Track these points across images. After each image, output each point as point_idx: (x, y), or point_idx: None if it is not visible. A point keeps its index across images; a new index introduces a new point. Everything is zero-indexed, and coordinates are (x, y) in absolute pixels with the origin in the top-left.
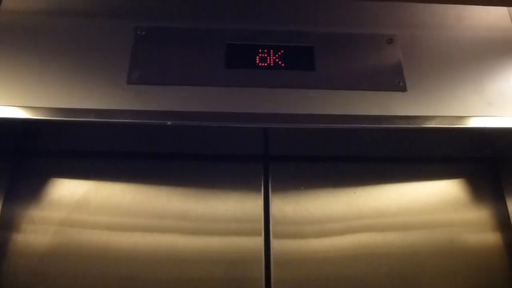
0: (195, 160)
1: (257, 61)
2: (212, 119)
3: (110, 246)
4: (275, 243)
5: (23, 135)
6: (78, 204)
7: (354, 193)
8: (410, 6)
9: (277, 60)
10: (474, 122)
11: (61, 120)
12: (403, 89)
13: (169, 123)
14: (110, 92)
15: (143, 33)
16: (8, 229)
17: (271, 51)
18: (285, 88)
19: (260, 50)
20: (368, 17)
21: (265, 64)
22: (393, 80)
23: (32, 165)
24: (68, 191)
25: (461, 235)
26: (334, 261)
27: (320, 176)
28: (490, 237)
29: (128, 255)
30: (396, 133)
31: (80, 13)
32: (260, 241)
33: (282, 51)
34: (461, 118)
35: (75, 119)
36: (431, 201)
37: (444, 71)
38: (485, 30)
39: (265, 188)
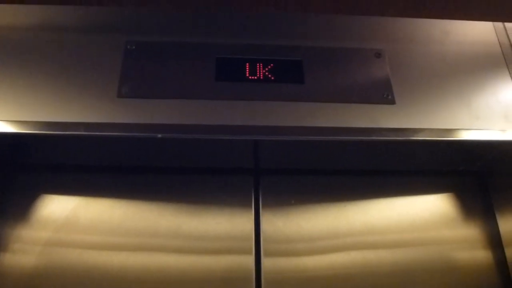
0: (185, 174)
1: (247, 74)
2: (203, 132)
3: (99, 265)
4: (266, 261)
5: (11, 149)
6: (68, 221)
7: (345, 206)
8: (398, 21)
9: (266, 73)
10: (463, 135)
11: (50, 134)
12: (392, 102)
13: (159, 136)
14: (100, 106)
15: (133, 47)
16: None
17: (261, 64)
18: (275, 101)
19: (250, 64)
20: (356, 31)
21: (255, 77)
22: (382, 93)
23: (21, 180)
24: (58, 207)
25: (452, 252)
26: (326, 280)
27: (310, 189)
28: (480, 254)
29: (117, 274)
30: (385, 145)
31: (70, 27)
32: (251, 259)
33: (271, 65)
34: (449, 130)
35: (64, 132)
36: (420, 216)
37: (431, 85)
38: (471, 45)
39: (255, 202)
